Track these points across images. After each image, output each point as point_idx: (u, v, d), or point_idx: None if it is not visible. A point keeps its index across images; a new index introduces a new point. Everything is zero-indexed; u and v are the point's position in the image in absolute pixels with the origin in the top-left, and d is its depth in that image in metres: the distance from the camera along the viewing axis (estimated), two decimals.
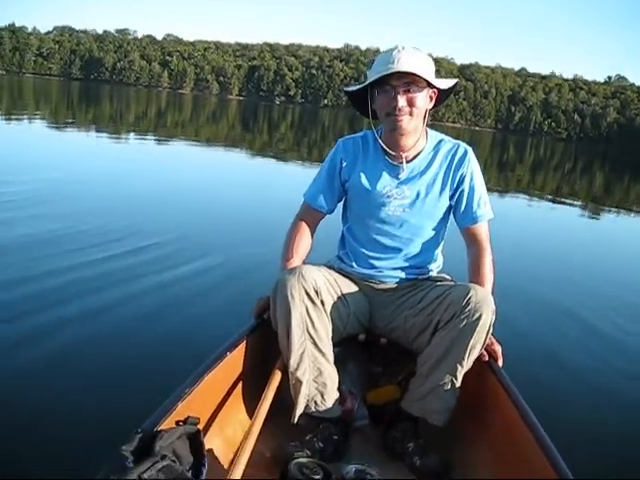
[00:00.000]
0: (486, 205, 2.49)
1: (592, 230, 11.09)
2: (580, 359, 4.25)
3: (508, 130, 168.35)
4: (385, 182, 2.43)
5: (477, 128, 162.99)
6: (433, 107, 2.46)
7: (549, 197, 15.79)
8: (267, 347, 2.35)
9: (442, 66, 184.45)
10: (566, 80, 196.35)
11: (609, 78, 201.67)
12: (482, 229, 2.50)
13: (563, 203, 14.60)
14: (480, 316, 2.13)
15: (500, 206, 11.85)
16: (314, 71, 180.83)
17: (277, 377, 2.21)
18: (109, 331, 3.80)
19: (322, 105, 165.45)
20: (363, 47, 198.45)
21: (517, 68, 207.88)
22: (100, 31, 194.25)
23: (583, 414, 3.43)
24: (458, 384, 2.23)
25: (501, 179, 19.80)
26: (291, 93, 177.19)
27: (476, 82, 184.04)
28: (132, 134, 18.56)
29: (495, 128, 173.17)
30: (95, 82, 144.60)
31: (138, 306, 4.25)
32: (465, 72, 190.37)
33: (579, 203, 15.29)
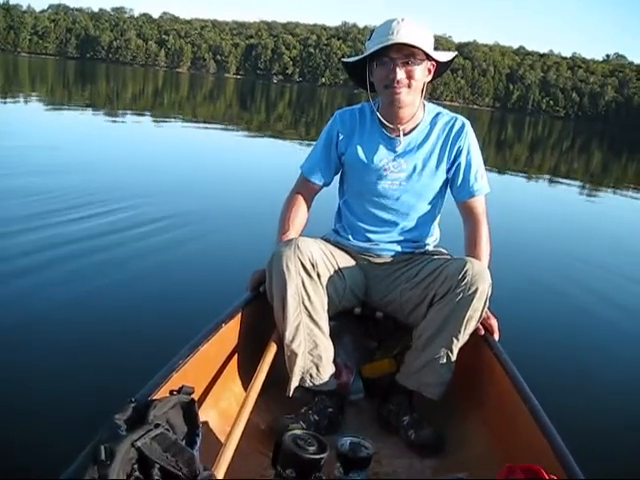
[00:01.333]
0: (483, 179, 2.47)
1: (589, 208, 11.11)
2: (576, 335, 4.28)
3: (506, 109, 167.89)
4: (382, 155, 2.42)
5: (475, 106, 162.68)
6: (432, 80, 2.44)
7: (547, 175, 15.81)
8: (262, 319, 2.35)
9: (440, 44, 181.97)
10: (564, 58, 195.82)
11: (607, 56, 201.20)
12: (479, 203, 2.48)
13: (561, 182, 14.58)
14: (476, 289, 2.12)
15: (498, 184, 11.82)
16: (312, 49, 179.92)
17: (272, 349, 2.21)
18: (104, 302, 3.83)
19: (320, 84, 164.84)
20: (361, 25, 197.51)
21: (515, 46, 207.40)
22: (96, 9, 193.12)
23: (578, 388, 3.45)
24: (454, 358, 2.23)
25: (499, 157, 19.78)
26: (289, 72, 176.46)
27: (474, 60, 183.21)
28: (129, 113, 18.46)
29: (493, 107, 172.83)
30: (91, 61, 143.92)
31: (133, 277, 4.29)
32: (463, 50, 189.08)
33: (577, 181, 15.27)
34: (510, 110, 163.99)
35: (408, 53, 2.23)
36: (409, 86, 2.27)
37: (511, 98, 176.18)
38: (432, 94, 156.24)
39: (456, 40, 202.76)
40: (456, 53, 2.58)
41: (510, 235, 6.97)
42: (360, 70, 2.41)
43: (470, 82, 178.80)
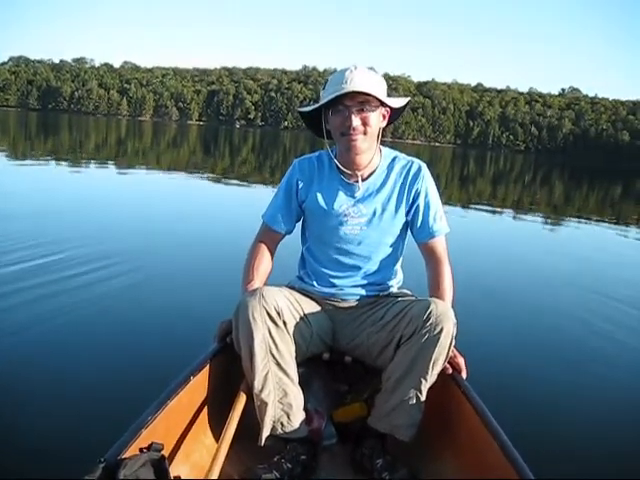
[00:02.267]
0: (442, 220, 2.53)
1: (553, 239, 11.26)
2: (541, 367, 4.32)
3: (467, 145, 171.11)
4: (341, 201, 2.46)
5: (437, 144, 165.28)
6: (386, 125, 2.50)
7: (510, 209, 16.04)
8: (231, 370, 2.35)
9: (400, 84, 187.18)
10: (521, 93, 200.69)
11: (563, 90, 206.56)
12: (439, 243, 2.54)
13: (525, 214, 14.82)
14: (441, 329, 2.15)
15: (462, 220, 12.02)
16: (273, 94, 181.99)
17: (242, 400, 2.21)
18: (70, 358, 3.78)
19: (282, 127, 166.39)
20: (321, 68, 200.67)
21: (473, 83, 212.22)
22: (57, 60, 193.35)
23: (545, 420, 3.47)
24: (423, 398, 2.25)
25: (463, 193, 20.05)
26: (251, 116, 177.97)
27: (434, 99, 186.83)
28: (92, 163, 18.33)
29: (455, 143, 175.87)
30: (53, 112, 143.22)
31: (97, 331, 4.24)
32: (422, 89, 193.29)
33: (540, 213, 15.49)
34: (471, 146, 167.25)
35: (362, 100, 2.29)
36: (365, 133, 2.33)
37: (472, 134, 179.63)
38: (394, 133, 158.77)
39: (415, 79, 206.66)
40: (409, 99, 2.65)
41: (474, 270, 7.04)
42: (317, 118, 2.46)
43: (431, 120, 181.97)
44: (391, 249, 2.53)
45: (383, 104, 2.37)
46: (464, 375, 2.34)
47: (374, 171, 2.49)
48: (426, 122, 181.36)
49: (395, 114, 2.52)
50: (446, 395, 2.34)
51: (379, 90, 2.33)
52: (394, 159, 2.55)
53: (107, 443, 1.69)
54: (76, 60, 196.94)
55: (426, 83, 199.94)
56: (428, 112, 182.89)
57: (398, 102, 2.46)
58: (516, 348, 4.65)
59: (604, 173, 59.83)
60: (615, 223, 14.62)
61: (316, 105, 2.42)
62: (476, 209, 14.66)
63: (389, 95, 2.41)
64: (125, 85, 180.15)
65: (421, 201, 2.49)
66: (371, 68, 2.39)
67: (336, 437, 2.52)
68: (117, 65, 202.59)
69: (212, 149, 37.22)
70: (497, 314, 5.52)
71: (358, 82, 2.27)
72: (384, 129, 2.48)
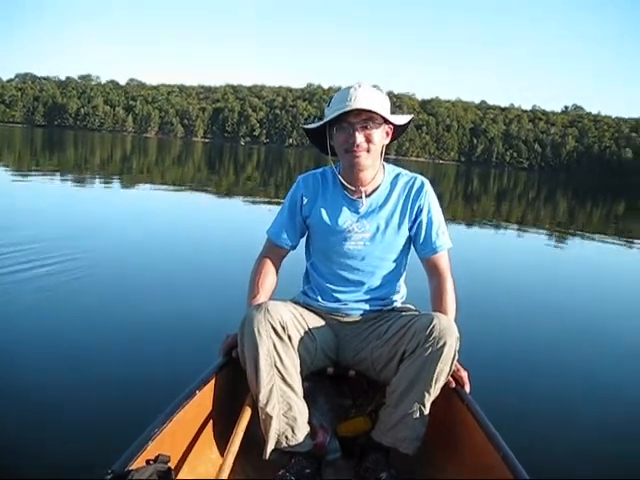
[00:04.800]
0: (444, 235, 2.56)
1: (557, 255, 11.26)
2: (544, 381, 4.34)
3: (471, 162, 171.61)
4: (345, 217, 2.50)
5: (441, 161, 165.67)
6: (390, 142, 2.54)
7: (515, 226, 16.01)
8: (236, 384, 2.37)
9: (404, 102, 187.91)
10: (525, 111, 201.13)
11: (566, 108, 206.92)
12: (442, 259, 2.56)
13: (529, 231, 14.79)
14: (444, 344, 2.17)
15: (466, 236, 12.05)
16: (278, 111, 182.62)
17: (247, 413, 2.22)
18: (80, 371, 3.81)
19: (287, 145, 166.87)
20: (325, 86, 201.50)
21: (477, 101, 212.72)
22: (63, 77, 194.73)
23: (548, 433, 3.48)
24: (427, 412, 2.26)
25: (467, 210, 20.05)
26: (256, 133, 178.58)
27: (438, 116, 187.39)
28: (97, 179, 18.43)
29: (458, 161, 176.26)
30: (59, 128, 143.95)
31: (107, 347, 4.26)
32: (426, 107, 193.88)
33: (544, 230, 15.48)
34: (475, 163, 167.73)
35: (366, 118, 2.33)
36: (368, 150, 2.37)
37: (475, 152, 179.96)
38: (398, 150, 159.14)
39: (419, 97, 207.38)
40: (412, 116, 2.69)
41: (477, 286, 7.10)
42: (321, 135, 2.50)
43: (435, 137, 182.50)
44: (394, 264, 2.56)
45: (387, 121, 2.42)
46: (467, 389, 2.35)
47: (377, 187, 2.53)
48: (430, 139, 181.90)
49: (398, 131, 2.57)
50: (449, 409, 2.36)
51: (383, 107, 2.37)
52: (397, 175, 2.58)
53: (115, 455, 1.70)
54: (82, 77, 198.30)
55: (430, 101, 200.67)
56: (432, 129, 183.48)
57: (401, 119, 2.50)
58: (519, 362, 4.67)
59: (607, 190, 59.75)
60: (619, 239, 14.60)
61: (321, 122, 2.46)
62: (480, 226, 14.70)
63: (393, 113, 2.45)
64: (131, 102, 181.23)
65: (424, 217, 2.52)
66: (375, 86, 2.43)
67: (340, 451, 2.52)
68: (123, 82, 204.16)
69: (217, 166, 37.30)
70: (500, 329, 5.53)
71: (362, 100, 2.31)
72: (388, 146, 2.52)
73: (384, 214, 2.50)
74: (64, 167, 22.82)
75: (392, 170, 2.60)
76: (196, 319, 4.93)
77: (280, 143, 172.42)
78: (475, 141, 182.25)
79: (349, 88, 2.38)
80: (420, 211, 2.52)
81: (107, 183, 17.83)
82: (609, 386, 4.36)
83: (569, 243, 13.56)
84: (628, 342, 5.51)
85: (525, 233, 14.35)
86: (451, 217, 14.75)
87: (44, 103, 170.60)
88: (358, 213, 2.50)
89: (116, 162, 31.29)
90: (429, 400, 2.25)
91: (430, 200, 2.55)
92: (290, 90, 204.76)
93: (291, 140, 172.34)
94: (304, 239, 2.69)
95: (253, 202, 15.81)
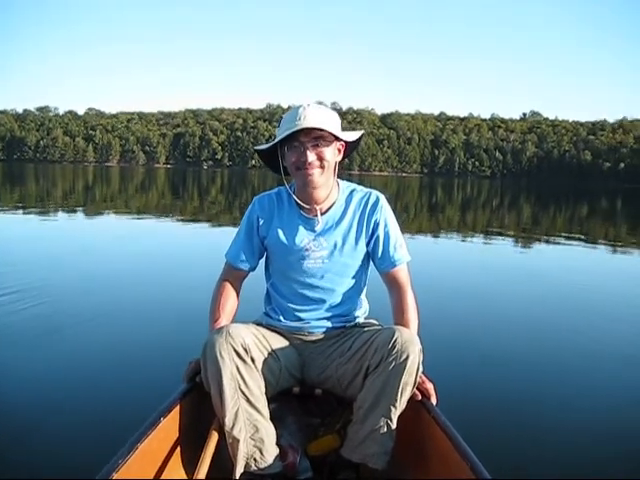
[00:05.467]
0: (402, 248, 2.57)
1: (522, 262, 11.32)
2: (511, 387, 4.38)
3: (434, 173, 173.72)
4: (302, 236, 2.51)
5: (404, 174, 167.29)
6: (342, 159, 2.56)
7: (480, 234, 16.14)
8: (202, 409, 2.35)
9: (364, 117, 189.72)
10: (484, 120, 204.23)
11: (524, 114, 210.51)
12: (401, 272, 2.58)
13: (494, 239, 14.93)
14: (407, 357, 2.17)
15: (430, 247, 12.13)
16: (239, 133, 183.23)
17: (214, 438, 2.21)
18: (42, 404, 3.76)
19: (250, 166, 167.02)
20: (285, 105, 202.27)
21: (436, 112, 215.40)
22: (20, 110, 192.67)
23: (517, 441, 3.51)
24: (394, 426, 2.26)
25: (433, 221, 20.20)
26: (218, 157, 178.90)
27: (398, 130, 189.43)
28: (60, 211, 18.20)
29: (422, 172, 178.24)
30: (18, 162, 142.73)
31: (66, 375, 4.26)
32: (387, 121, 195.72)
33: (509, 237, 15.65)
34: (438, 174, 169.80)
35: (317, 136, 2.35)
36: (321, 167, 2.39)
37: (438, 162, 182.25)
38: (361, 166, 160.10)
39: (379, 112, 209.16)
40: (362, 132, 2.70)
41: (441, 297, 7.15)
42: (273, 156, 2.51)
43: (397, 151, 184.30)
44: (354, 280, 2.57)
45: (337, 138, 2.43)
46: (434, 401, 2.36)
47: (333, 204, 2.55)
48: (392, 153, 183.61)
49: (350, 147, 2.59)
50: (417, 421, 2.37)
51: (333, 125, 2.39)
52: (352, 192, 2.60)
53: None
54: (40, 109, 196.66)
55: (390, 115, 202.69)
56: (394, 143, 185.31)
57: (352, 136, 2.53)
58: (485, 371, 4.69)
59: (569, 193, 60.70)
60: (583, 241, 14.80)
61: (272, 143, 2.47)
62: (445, 236, 14.77)
63: (352, 128, 2.47)
64: (90, 132, 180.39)
65: (380, 231, 2.54)
66: (320, 103, 2.46)
67: (311, 471, 2.51)
68: (81, 112, 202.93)
69: (181, 191, 37.17)
70: (466, 338, 5.55)
71: (311, 118, 2.33)
72: (351, 161, 2.56)
73: (340, 231, 2.52)
74: (26, 201, 22.53)
75: (347, 187, 2.62)
76: (157, 346, 4.91)
77: (243, 165, 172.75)
78: (437, 152, 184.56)
79: (298, 107, 2.40)
80: (377, 226, 2.54)
81: (70, 214, 17.61)
82: (575, 391, 4.38)
83: (534, 248, 13.70)
84: (594, 345, 5.56)
85: (490, 241, 14.50)
86: (417, 229, 14.90)
87: (2, 137, 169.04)
88: (314, 231, 2.51)
89: (79, 193, 30.99)
90: (396, 414, 2.25)
91: (386, 215, 2.57)
92: (250, 111, 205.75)
93: (254, 161, 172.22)
94: (263, 260, 2.69)
95: (218, 225, 15.76)
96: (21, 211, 17.46)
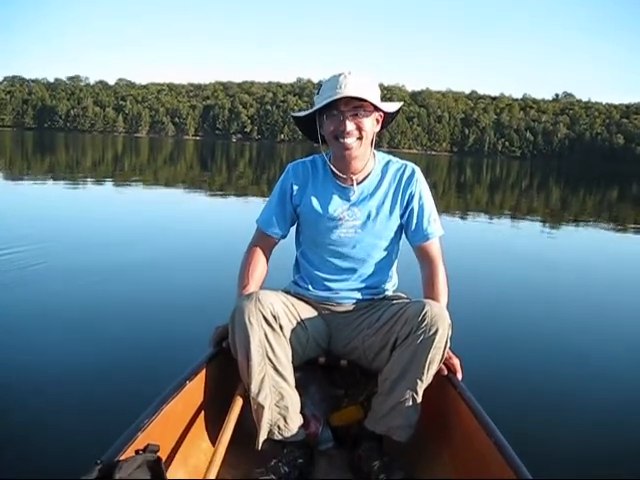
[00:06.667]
0: (436, 222, 2.54)
1: (551, 244, 11.24)
2: (536, 367, 4.35)
3: (464, 152, 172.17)
4: (336, 205, 2.48)
5: (433, 153, 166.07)
6: (380, 130, 2.52)
7: (508, 215, 16.02)
8: (227, 374, 2.36)
9: (394, 93, 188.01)
10: (516, 100, 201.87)
11: (557, 95, 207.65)
12: (434, 246, 2.55)
13: (522, 220, 14.80)
14: (436, 331, 2.16)
15: (460, 226, 12.07)
16: (269, 107, 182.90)
17: (239, 404, 2.22)
18: (68, 362, 3.85)
19: (279, 140, 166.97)
20: (315, 80, 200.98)
21: (467, 91, 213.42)
22: (52, 79, 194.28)
23: (541, 419, 3.49)
24: (419, 399, 2.25)
25: (461, 201, 20.05)
26: (247, 130, 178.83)
27: (429, 107, 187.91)
28: (89, 181, 18.32)
29: (451, 151, 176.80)
30: (49, 131, 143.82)
31: (96, 338, 4.33)
32: (417, 98, 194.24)
33: (538, 219, 15.49)
34: (467, 153, 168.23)
35: (356, 105, 2.31)
36: (359, 137, 2.35)
37: (467, 142, 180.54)
38: (390, 143, 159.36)
39: (409, 89, 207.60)
40: (402, 103, 2.67)
41: (471, 274, 7.14)
42: (311, 123, 2.48)
43: (426, 129, 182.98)
44: (386, 252, 2.55)
45: (377, 109, 2.39)
46: (460, 376, 2.34)
47: (368, 175, 2.51)
48: (422, 131, 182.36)
49: (388, 119, 2.55)
50: (442, 396, 2.35)
51: (373, 95, 2.35)
52: (388, 163, 2.57)
53: (104, 445, 1.70)
54: (71, 78, 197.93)
55: (420, 92, 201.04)
56: (423, 121, 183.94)
57: (391, 107, 2.49)
58: (512, 350, 4.67)
59: (600, 176, 59.87)
60: (614, 226, 14.61)
61: (310, 110, 2.42)
62: (473, 215, 14.68)
63: (383, 102, 2.43)
64: (121, 102, 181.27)
65: (415, 204, 2.51)
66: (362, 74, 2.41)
67: (333, 441, 2.52)
68: (112, 82, 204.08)
69: (209, 164, 37.27)
70: (493, 316, 5.55)
71: (352, 87, 2.29)
72: (380, 138, 2.49)
73: (375, 202, 2.49)
74: (56, 170, 22.71)
75: (383, 158, 2.59)
76: (186, 311, 4.99)
77: (272, 139, 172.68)
78: (467, 131, 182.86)
79: (339, 75, 2.34)
80: (411, 198, 2.51)
81: (100, 184, 17.72)
82: (604, 373, 4.34)
83: (563, 231, 13.56)
84: (624, 330, 5.51)
85: (519, 222, 14.36)
86: (444, 207, 14.78)
87: (33, 106, 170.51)
88: (349, 201, 2.48)
89: (108, 163, 31.18)
90: (421, 387, 2.24)
91: (421, 187, 2.53)
92: (280, 85, 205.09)
93: (282, 135, 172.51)
94: (294, 228, 2.67)
95: (246, 198, 15.78)
96: (51, 180, 17.61)
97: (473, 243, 10.12)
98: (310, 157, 2.63)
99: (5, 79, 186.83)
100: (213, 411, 2.34)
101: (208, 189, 18.06)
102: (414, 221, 2.52)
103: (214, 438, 2.15)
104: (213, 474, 1.80)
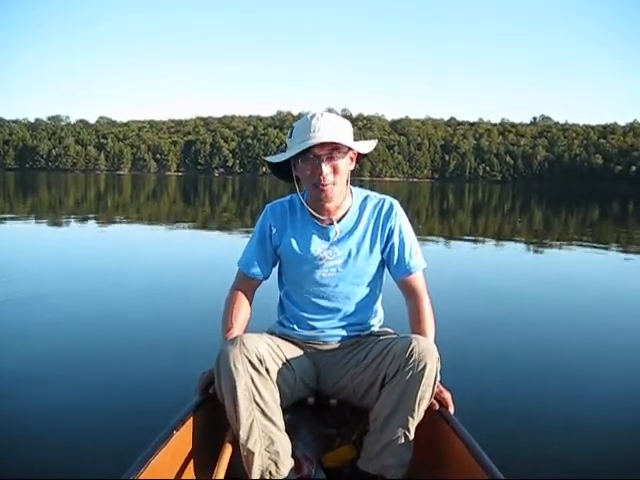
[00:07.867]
0: (418, 255, 2.53)
1: (536, 267, 11.27)
2: (530, 397, 4.29)
3: (445, 178, 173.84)
4: (316, 245, 2.47)
5: (415, 180, 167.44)
6: (354, 166, 2.51)
7: (492, 239, 16.06)
8: (215, 421, 2.31)
9: (374, 123, 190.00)
10: (494, 125, 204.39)
11: (534, 119, 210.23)
12: (418, 279, 2.53)
13: (506, 243, 14.88)
14: (425, 366, 2.13)
15: (444, 253, 12.07)
16: (250, 140, 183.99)
17: (228, 451, 2.18)
18: (54, 412, 3.76)
19: (261, 173, 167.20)
20: (295, 112, 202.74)
21: (446, 118, 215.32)
22: (32, 119, 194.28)
23: (538, 452, 3.44)
24: (412, 436, 2.22)
25: (444, 226, 20.13)
26: (229, 164, 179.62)
27: (409, 135, 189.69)
28: (72, 220, 18.26)
29: (432, 178, 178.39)
30: (31, 171, 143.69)
31: (75, 386, 4.23)
32: (397, 127, 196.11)
33: (522, 241, 15.57)
34: (449, 179, 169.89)
35: (332, 148, 2.30)
36: (335, 180, 2.34)
37: (448, 168, 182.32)
38: (372, 172, 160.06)
39: (389, 118, 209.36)
40: (376, 141, 2.65)
41: (457, 304, 7.11)
42: (284, 164, 2.46)
43: (407, 157, 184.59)
44: (369, 289, 2.53)
45: (351, 148, 2.39)
46: (452, 410, 2.32)
47: (346, 212, 2.50)
48: (402, 159, 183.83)
49: (362, 154, 2.54)
50: (435, 432, 2.32)
51: (346, 136, 2.35)
52: (365, 198, 2.56)
53: None
54: (51, 118, 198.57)
55: (400, 121, 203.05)
56: (404, 149, 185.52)
57: (366, 147, 2.48)
58: (504, 379, 4.63)
59: (580, 196, 60.43)
60: (595, 245, 14.66)
61: (286, 155, 2.38)
62: (458, 241, 14.67)
63: (362, 135, 2.43)
64: (102, 140, 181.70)
65: (395, 238, 2.50)
66: (331, 110, 2.41)
67: None
68: (92, 121, 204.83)
69: (192, 199, 37.23)
70: (483, 346, 5.48)
71: (326, 131, 2.28)
72: (361, 168, 2.49)
73: (355, 239, 2.48)
74: (38, 210, 22.59)
75: (360, 193, 2.58)
76: (172, 357, 4.85)
77: (254, 172, 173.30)
78: (447, 157, 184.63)
79: (311, 118, 2.33)
80: (391, 233, 2.50)
81: (82, 222, 17.66)
82: (597, 401, 4.30)
83: (547, 253, 13.58)
84: (614, 350, 5.49)
85: (503, 246, 14.44)
86: (428, 234, 14.81)
87: (14, 146, 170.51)
88: (329, 240, 2.47)
89: (91, 201, 31.09)
90: (413, 424, 2.21)
91: (401, 221, 2.53)
92: (260, 119, 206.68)
93: (264, 169, 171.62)
94: (276, 268, 2.65)
95: (230, 233, 15.73)
96: (33, 220, 17.52)
97: (458, 270, 10.10)
98: (288, 197, 2.61)
99: None
100: (203, 460, 2.30)
101: (192, 225, 18.00)
102: (395, 256, 2.51)
103: None
104: None
